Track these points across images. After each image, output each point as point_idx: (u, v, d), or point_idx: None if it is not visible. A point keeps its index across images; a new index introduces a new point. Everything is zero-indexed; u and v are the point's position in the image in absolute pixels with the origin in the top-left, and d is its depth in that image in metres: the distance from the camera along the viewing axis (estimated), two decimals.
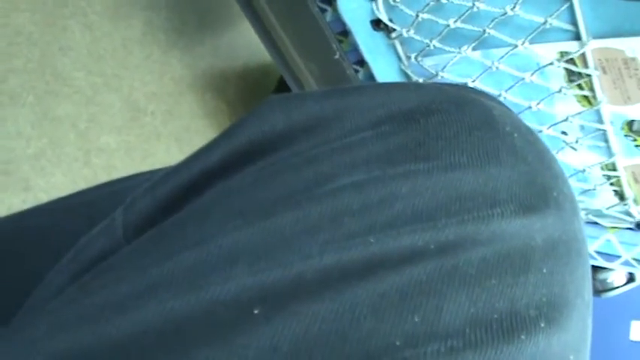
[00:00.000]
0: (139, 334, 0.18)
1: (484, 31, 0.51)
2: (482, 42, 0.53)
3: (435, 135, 0.24)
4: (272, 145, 0.25)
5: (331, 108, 0.25)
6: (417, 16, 0.54)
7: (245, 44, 1.16)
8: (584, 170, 0.57)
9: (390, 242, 0.20)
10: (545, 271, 0.22)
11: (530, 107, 0.55)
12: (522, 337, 0.20)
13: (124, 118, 0.95)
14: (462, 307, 0.19)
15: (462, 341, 0.19)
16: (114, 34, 0.94)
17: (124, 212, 0.26)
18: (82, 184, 0.87)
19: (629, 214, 0.58)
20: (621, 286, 0.69)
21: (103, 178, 0.91)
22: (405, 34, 0.57)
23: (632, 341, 0.92)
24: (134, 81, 0.97)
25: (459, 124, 0.24)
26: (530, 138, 0.26)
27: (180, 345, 0.18)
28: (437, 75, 0.60)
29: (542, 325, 0.20)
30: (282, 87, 1.16)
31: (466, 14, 0.51)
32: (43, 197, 0.84)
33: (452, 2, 0.51)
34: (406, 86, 0.26)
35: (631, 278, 0.69)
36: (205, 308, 0.18)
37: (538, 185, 0.24)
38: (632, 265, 0.59)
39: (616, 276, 0.72)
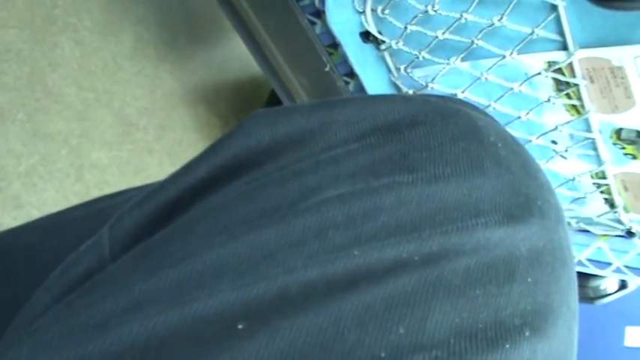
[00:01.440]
0: (121, 353, 0.18)
1: (472, 42, 0.52)
2: (470, 53, 0.54)
3: (419, 146, 0.24)
4: (257, 159, 0.25)
5: (317, 121, 0.26)
6: (406, 27, 0.55)
7: (236, 57, 1.16)
8: (574, 179, 0.57)
9: (374, 254, 0.20)
10: (529, 280, 0.22)
11: (519, 117, 0.55)
12: (507, 346, 0.20)
13: (116, 133, 0.95)
14: (446, 318, 0.19)
15: (446, 352, 0.19)
16: (104, 50, 0.94)
17: (110, 229, 0.26)
18: (74, 200, 0.87)
19: (619, 221, 0.58)
20: (614, 292, 0.70)
21: (96, 193, 0.91)
22: (394, 46, 0.58)
23: (627, 347, 0.91)
24: (125, 96, 0.97)
25: (443, 135, 0.24)
26: (515, 148, 0.26)
27: None
28: (427, 86, 0.60)
29: (527, 333, 0.20)
30: (273, 99, 1.16)
31: (454, 25, 0.52)
32: (35, 214, 0.84)
33: (440, 14, 0.52)
34: (392, 98, 0.27)
35: (623, 285, 0.69)
36: (189, 324, 0.18)
37: (522, 195, 0.24)
38: (624, 273, 0.59)
39: (609, 283, 0.72)
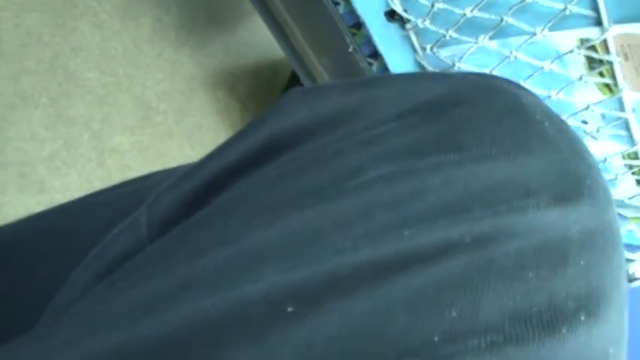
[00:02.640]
0: (169, 336, 0.17)
1: (502, 19, 0.50)
2: (499, 31, 0.52)
3: (463, 125, 0.23)
4: (295, 139, 0.25)
5: (356, 100, 0.25)
6: (433, 5, 0.53)
7: (256, 41, 1.15)
8: (605, 160, 0.56)
9: (424, 235, 0.19)
10: (582, 263, 0.21)
11: (549, 96, 0.54)
12: (563, 330, 0.19)
13: (137, 118, 0.95)
14: (499, 301, 0.19)
15: (502, 336, 0.18)
16: (124, 33, 0.94)
17: (147, 210, 0.26)
18: (97, 185, 0.87)
19: None
20: None
21: (117, 177, 0.91)
22: (420, 25, 0.57)
23: None
24: (146, 80, 0.97)
25: (488, 114, 0.23)
26: (561, 126, 0.25)
27: (213, 346, 0.17)
28: (453, 66, 0.59)
29: (583, 318, 0.20)
30: (293, 83, 1.15)
31: (483, 3, 0.51)
32: (59, 198, 0.84)
33: None
34: (432, 76, 0.26)
35: None
36: (237, 308, 0.18)
37: (571, 174, 0.23)
38: None
39: (637, 266, 0.71)
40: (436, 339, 0.18)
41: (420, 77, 0.25)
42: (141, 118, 0.95)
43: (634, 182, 0.57)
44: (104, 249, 0.26)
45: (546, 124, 0.24)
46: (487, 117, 0.23)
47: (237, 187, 0.24)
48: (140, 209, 0.26)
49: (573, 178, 0.23)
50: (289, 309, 0.18)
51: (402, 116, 0.24)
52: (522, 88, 0.27)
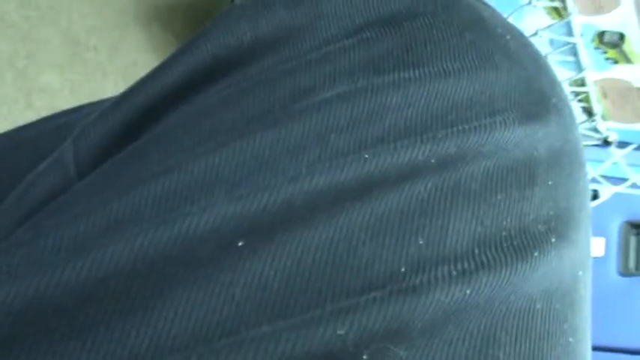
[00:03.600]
0: (104, 278, 0.15)
1: None
2: None
3: (422, 39, 0.21)
4: (239, 59, 0.22)
5: (303, 16, 0.23)
6: None
7: None
8: None
9: (385, 158, 0.18)
10: (550, 183, 0.20)
11: None
12: (535, 254, 0.18)
13: (65, 55, 0.89)
14: (468, 226, 0.17)
15: (473, 263, 0.17)
16: None
17: (73, 144, 0.23)
18: None
19: (596, 130, 0.58)
20: None
21: None
22: None
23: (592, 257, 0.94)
24: (72, 13, 0.90)
25: (447, 27, 0.22)
26: (522, 41, 0.24)
27: (155, 287, 0.15)
28: None
29: (553, 240, 0.19)
30: None
31: None
32: None
33: None
34: None
35: (595, 195, 0.70)
36: (181, 243, 0.16)
37: (537, 91, 0.22)
38: (599, 182, 0.59)
39: None
40: (403, 269, 0.16)
41: None
42: (70, 55, 0.89)
43: (580, 110, 0.58)
44: (26, 190, 0.23)
45: (508, 37, 0.23)
46: (447, 30, 0.21)
47: (176, 115, 0.22)
48: (65, 144, 0.23)
49: (539, 94, 0.22)
50: (240, 243, 0.16)
51: (354, 32, 0.22)
52: (481, 0, 0.25)
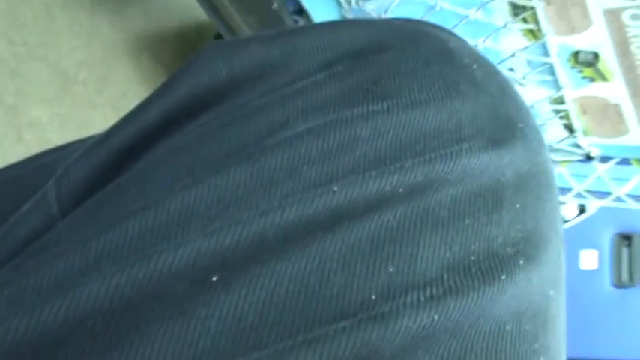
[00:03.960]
0: (82, 318, 0.16)
1: None
2: None
3: (390, 72, 0.22)
4: (215, 97, 0.23)
5: (277, 52, 0.23)
6: None
7: (177, 2, 1.10)
8: (532, 106, 0.57)
9: (355, 189, 0.18)
10: (518, 206, 0.21)
11: (476, 45, 0.54)
12: (503, 277, 0.18)
13: (54, 89, 0.90)
14: (437, 252, 0.18)
15: (441, 288, 0.17)
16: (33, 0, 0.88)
17: (56, 184, 0.24)
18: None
19: (578, 146, 0.58)
20: (573, 218, 0.71)
21: None
22: None
23: (582, 270, 0.94)
24: (61, 48, 0.91)
25: (414, 59, 0.23)
26: (489, 69, 0.24)
27: (132, 324, 0.16)
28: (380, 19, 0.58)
29: (521, 262, 0.19)
30: None
31: None
32: None
33: None
34: (355, 23, 0.25)
35: (582, 210, 0.70)
36: (156, 280, 0.16)
37: (503, 117, 0.22)
38: (584, 197, 0.60)
39: (567, 209, 0.73)
40: (373, 297, 0.17)
41: (342, 25, 0.24)
42: (59, 89, 0.90)
43: (561, 127, 0.59)
44: (10, 231, 0.23)
45: (474, 66, 0.23)
46: (414, 62, 0.22)
47: (155, 152, 0.22)
48: (49, 184, 0.24)
49: (504, 120, 0.22)
50: (214, 277, 0.16)
51: (326, 67, 0.23)
52: (448, 31, 0.26)
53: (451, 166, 0.20)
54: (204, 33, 1.13)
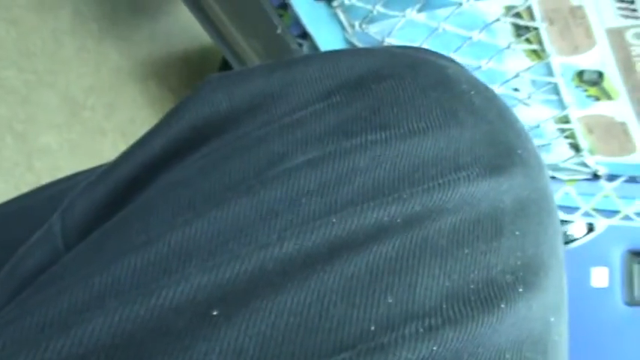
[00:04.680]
0: (85, 355, 0.16)
1: None
2: (426, 3, 0.52)
3: (389, 101, 0.22)
4: (216, 129, 0.23)
5: (277, 82, 0.24)
6: None
7: (183, 28, 1.12)
8: (538, 126, 0.57)
9: (353, 221, 0.18)
10: (517, 233, 0.21)
11: (480, 67, 0.54)
12: (502, 305, 0.18)
13: (64, 115, 0.91)
14: (436, 282, 0.18)
15: (440, 318, 0.17)
16: (42, 28, 0.89)
17: (61, 217, 0.24)
18: (26, 190, 0.83)
19: (585, 164, 0.58)
20: (582, 237, 0.70)
21: (48, 181, 0.87)
22: (346, 2, 0.56)
23: (593, 287, 0.93)
24: (69, 74, 0.92)
25: (412, 87, 0.23)
26: (488, 95, 0.25)
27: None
28: (383, 41, 0.58)
29: (521, 290, 0.19)
30: (226, 68, 1.12)
31: None
32: None
33: None
34: (354, 53, 0.25)
35: (591, 228, 0.70)
36: (158, 315, 0.16)
37: (502, 144, 0.22)
38: (592, 216, 0.60)
39: (575, 227, 0.73)
40: (372, 328, 0.17)
41: (341, 54, 0.24)
42: (68, 116, 0.91)
43: (567, 146, 0.58)
44: (17, 264, 0.24)
45: (472, 93, 0.23)
46: (412, 91, 0.22)
47: (157, 185, 0.23)
48: (54, 216, 0.24)
49: (503, 147, 0.22)
50: (214, 312, 0.16)
51: (325, 97, 0.23)
52: (447, 58, 0.26)
53: (449, 194, 0.20)
54: (209, 57, 1.15)
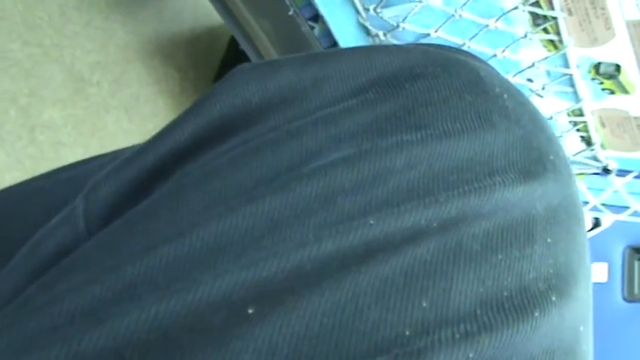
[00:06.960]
0: (119, 348, 0.16)
1: None
2: None
3: (423, 101, 0.22)
4: (246, 120, 0.23)
5: (310, 76, 0.23)
6: None
7: (191, 6, 1.11)
8: (551, 117, 0.56)
9: (390, 223, 0.18)
10: (549, 240, 0.20)
11: (495, 55, 0.54)
12: (536, 314, 0.18)
13: (68, 91, 0.90)
14: (470, 287, 0.18)
15: (475, 324, 0.17)
16: (49, 1, 0.88)
17: (84, 199, 0.23)
18: (28, 164, 0.83)
19: (596, 159, 0.58)
20: (588, 231, 0.70)
21: (51, 155, 0.86)
22: None
23: (595, 283, 0.93)
24: (75, 50, 0.91)
25: (447, 88, 0.22)
26: (520, 99, 0.24)
27: (168, 356, 0.16)
28: (397, 26, 0.57)
29: (554, 298, 0.19)
30: (232, 49, 1.11)
31: None
32: None
33: None
34: (387, 49, 0.24)
35: (597, 223, 0.70)
36: (194, 312, 0.16)
37: (535, 149, 0.22)
38: (600, 211, 0.60)
39: None
40: (407, 332, 0.17)
41: (374, 51, 0.24)
42: (73, 91, 0.90)
43: (579, 139, 0.58)
44: (37, 245, 0.23)
45: (505, 96, 0.23)
46: (446, 92, 0.22)
47: (186, 174, 0.22)
48: (77, 199, 0.24)
49: (536, 153, 0.22)
50: (250, 310, 0.16)
51: (357, 93, 0.22)
52: (479, 59, 0.26)
53: (485, 199, 0.19)
54: (217, 37, 1.13)
